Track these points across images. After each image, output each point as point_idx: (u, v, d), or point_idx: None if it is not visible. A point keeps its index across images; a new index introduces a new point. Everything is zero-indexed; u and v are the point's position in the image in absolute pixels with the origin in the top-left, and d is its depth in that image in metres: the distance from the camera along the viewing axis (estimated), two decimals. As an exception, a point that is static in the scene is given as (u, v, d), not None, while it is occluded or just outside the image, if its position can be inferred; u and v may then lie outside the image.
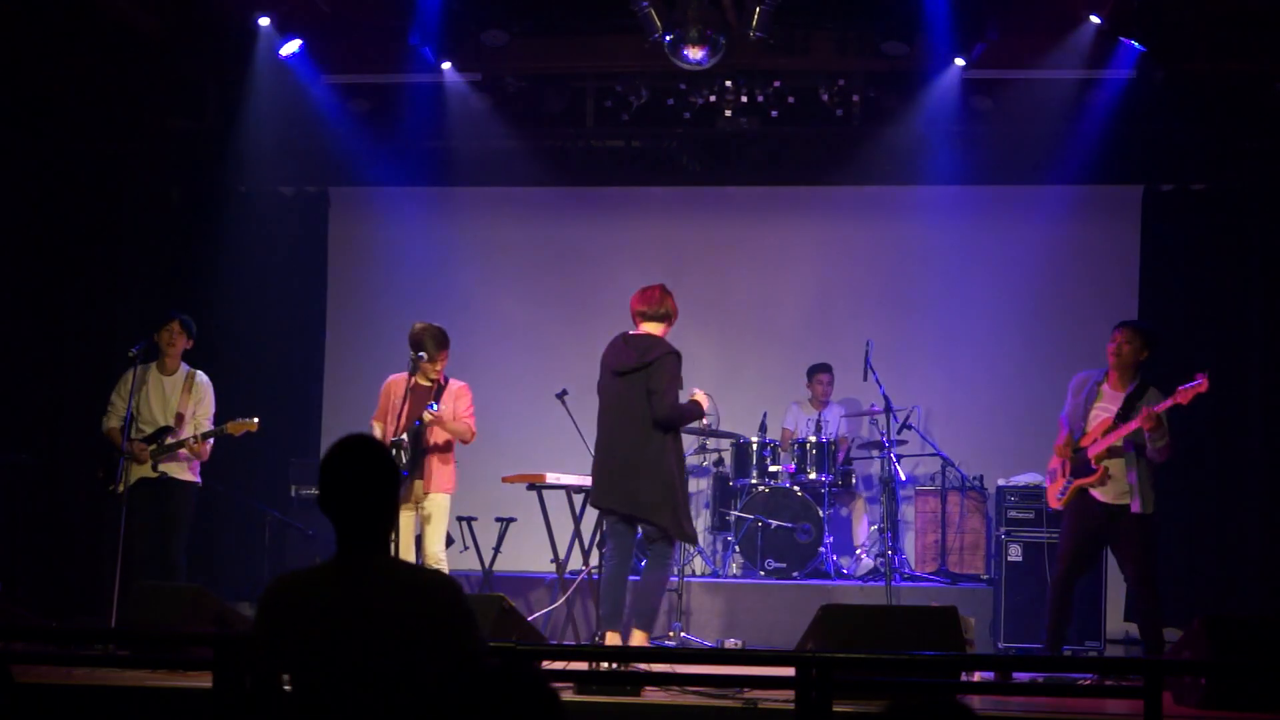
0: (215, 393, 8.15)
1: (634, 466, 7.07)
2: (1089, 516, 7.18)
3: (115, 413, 7.99)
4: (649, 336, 7.19)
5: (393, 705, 3.33)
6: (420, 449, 7.53)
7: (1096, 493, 7.16)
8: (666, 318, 7.27)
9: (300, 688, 3.39)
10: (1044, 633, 7.46)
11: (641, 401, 7.03)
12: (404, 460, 7.45)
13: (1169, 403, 6.97)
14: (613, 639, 7.10)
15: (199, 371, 8.11)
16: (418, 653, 3.35)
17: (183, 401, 7.97)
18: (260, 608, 3.47)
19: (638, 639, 7.07)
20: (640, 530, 7.23)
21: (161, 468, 7.87)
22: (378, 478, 3.48)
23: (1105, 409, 7.22)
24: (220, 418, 8.03)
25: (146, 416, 7.90)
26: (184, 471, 7.94)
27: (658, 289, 7.29)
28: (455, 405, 7.64)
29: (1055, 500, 7.40)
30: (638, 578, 7.36)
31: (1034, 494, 8.86)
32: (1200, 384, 6.88)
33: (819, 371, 10.39)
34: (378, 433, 7.69)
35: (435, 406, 7.48)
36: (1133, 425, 7.04)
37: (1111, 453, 7.12)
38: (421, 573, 3.66)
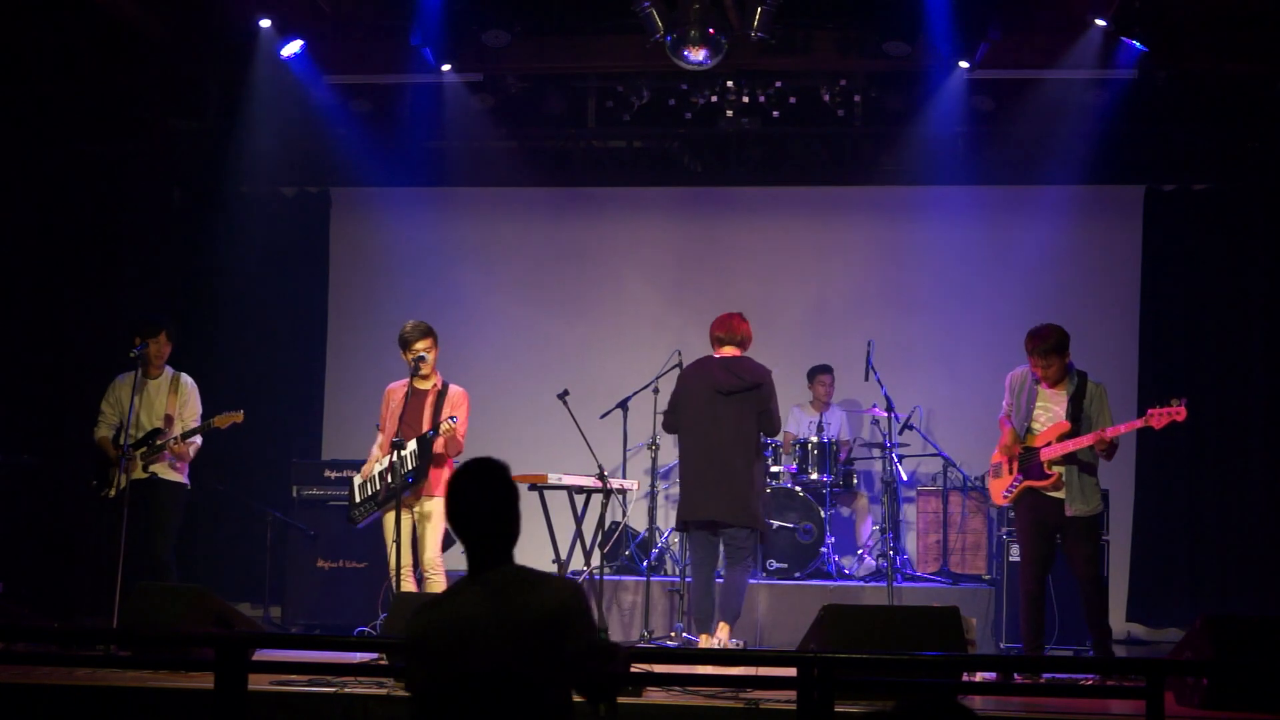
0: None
1: (739, 478, 7.56)
2: (1043, 512, 7.13)
3: (105, 421, 8.05)
4: (746, 360, 7.74)
5: (525, 694, 3.65)
6: (428, 455, 7.52)
7: (1049, 492, 7.15)
8: (744, 342, 7.84)
9: (445, 689, 3.65)
10: (1019, 640, 7.39)
11: (747, 419, 7.60)
12: (411, 465, 7.45)
13: (1139, 423, 6.97)
14: (707, 641, 7.54)
15: (183, 374, 8.13)
16: (546, 646, 3.66)
17: (170, 403, 8.01)
18: (409, 633, 3.75)
19: (724, 632, 7.53)
20: (726, 536, 7.65)
21: (151, 468, 7.91)
22: (504, 499, 3.79)
23: (1049, 409, 7.20)
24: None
25: (136, 421, 7.91)
26: (170, 472, 7.96)
27: (735, 317, 7.85)
28: (454, 415, 7.61)
29: (1000, 498, 7.37)
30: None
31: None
32: (1178, 411, 6.87)
33: (820, 373, 10.38)
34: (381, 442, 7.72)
35: (456, 420, 7.48)
36: (1087, 440, 7.02)
37: (1065, 459, 7.10)
38: (548, 577, 3.84)
